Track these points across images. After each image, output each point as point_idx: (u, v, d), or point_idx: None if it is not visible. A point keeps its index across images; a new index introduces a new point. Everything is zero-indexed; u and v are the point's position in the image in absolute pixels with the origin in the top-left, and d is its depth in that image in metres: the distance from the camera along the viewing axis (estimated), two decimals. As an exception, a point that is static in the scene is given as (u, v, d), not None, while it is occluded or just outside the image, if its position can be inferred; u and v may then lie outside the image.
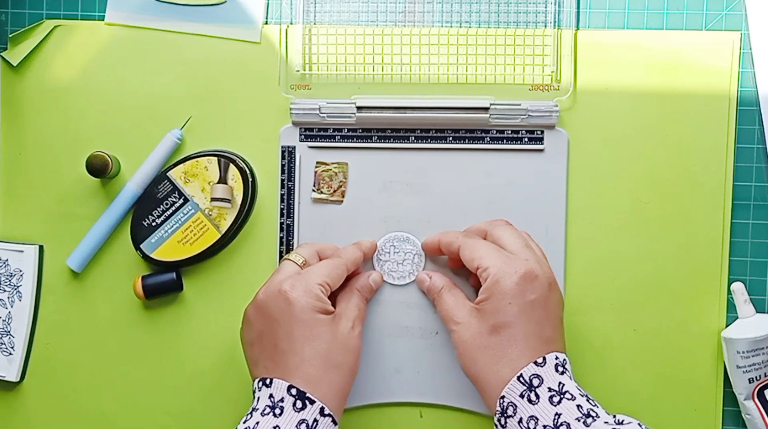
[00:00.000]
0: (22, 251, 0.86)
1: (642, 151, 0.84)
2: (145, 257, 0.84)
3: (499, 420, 0.75)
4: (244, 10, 0.86)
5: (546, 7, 0.85)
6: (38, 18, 0.87)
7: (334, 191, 0.85)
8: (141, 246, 0.84)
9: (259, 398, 0.75)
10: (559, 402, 0.73)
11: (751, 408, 0.82)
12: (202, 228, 0.84)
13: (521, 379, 0.74)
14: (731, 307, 0.84)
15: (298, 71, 0.85)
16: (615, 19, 0.85)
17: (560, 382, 0.74)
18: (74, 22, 0.87)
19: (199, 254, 0.84)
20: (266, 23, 0.86)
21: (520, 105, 0.83)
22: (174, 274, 0.85)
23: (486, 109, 0.83)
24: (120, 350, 0.86)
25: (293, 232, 0.85)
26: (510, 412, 0.74)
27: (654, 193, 0.84)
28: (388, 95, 0.85)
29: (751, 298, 0.83)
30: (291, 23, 0.86)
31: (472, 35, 0.85)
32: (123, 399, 0.86)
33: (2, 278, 0.86)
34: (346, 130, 0.85)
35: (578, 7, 0.85)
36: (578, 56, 0.85)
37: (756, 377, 0.82)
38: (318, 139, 0.85)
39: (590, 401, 0.73)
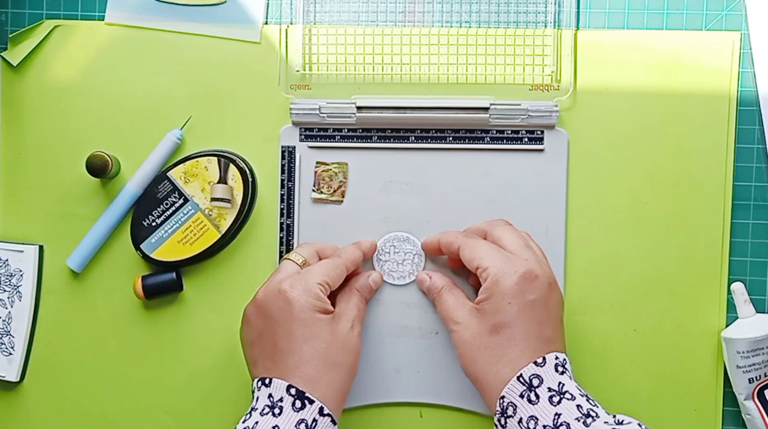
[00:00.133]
0: (22, 251, 0.86)
1: (642, 151, 0.84)
2: (145, 257, 0.84)
3: (499, 420, 0.75)
4: (244, 10, 0.86)
5: (546, 7, 0.85)
6: (38, 18, 0.87)
7: (334, 191, 0.85)
8: (141, 246, 0.84)
9: (258, 398, 0.75)
10: (559, 402, 0.72)
11: (751, 408, 0.82)
12: (202, 228, 0.84)
13: (521, 379, 0.74)
14: (731, 307, 0.84)
15: (298, 71, 0.85)
16: (615, 19, 0.85)
17: (560, 382, 0.74)
18: (74, 22, 0.87)
19: (199, 254, 0.84)
20: (266, 23, 0.86)
21: (520, 105, 0.83)
22: (174, 274, 0.85)
23: (486, 109, 0.83)
24: (120, 350, 0.86)
25: (293, 232, 0.85)
26: (510, 412, 0.74)
27: (654, 193, 0.84)
28: (388, 95, 0.85)
29: (751, 298, 0.83)
30: (291, 23, 0.86)
31: (472, 35, 0.85)
32: (123, 399, 0.86)
33: (2, 278, 0.86)
34: (346, 130, 0.85)
35: (578, 7, 0.85)
36: (578, 56, 0.85)
37: (756, 377, 0.82)
38: (318, 139, 0.85)
39: (590, 401, 0.73)
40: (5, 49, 0.87)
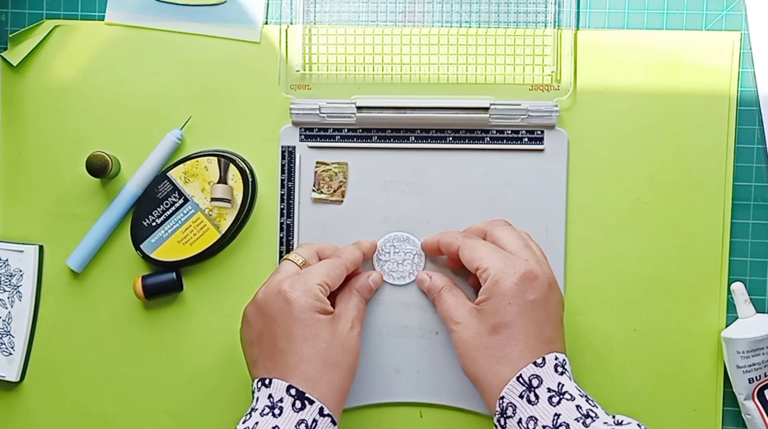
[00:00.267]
0: (22, 251, 0.86)
1: (642, 151, 0.84)
2: (145, 257, 0.84)
3: (498, 420, 0.75)
4: (244, 10, 0.86)
5: (546, 7, 0.85)
6: (38, 18, 0.87)
7: (334, 191, 0.85)
8: (141, 246, 0.84)
9: (258, 398, 0.75)
10: (559, 402, 0.72)
11: (751, 408, 0.82)
12: (202, 228, 0.84)
13: (521, 379, 0.74)
14: (731, 307, 0.84)
15: (298, 71, 0.85)
16: (615, 19, 0.85)
17: (560, 383, 0.74)
18: (74, 22, 0.87)
19: (199, 254, 0.84)
20: (266, 23, 0.86)
21: (520, 105, 0.83)
22: (174, 274, 0.85)
23: (486, 109, 0.83)
24: (120, 350, 0.86)
25: (293, 232, 0.85)
26: (509, 412, 0.74)
27: (654, 193, 0.84)
28: (388, 95, 0.85)
29: (751, 298, 0.83)
30: (291, 23, 0.86)
31: (472, 35, 0.85)
32: (123, 399, 0.86)
33: (2, 278, 0.86)
34: (346, 130, 0.85)
35: (578, 7, 0.85)
36: (578, 56, 0.85)
37: (756, 377, 0.82)
38: (318, 139, 0.85)
39: (589, 401, 0.73)
40: (5, 49, 0.87)
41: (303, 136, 0.85)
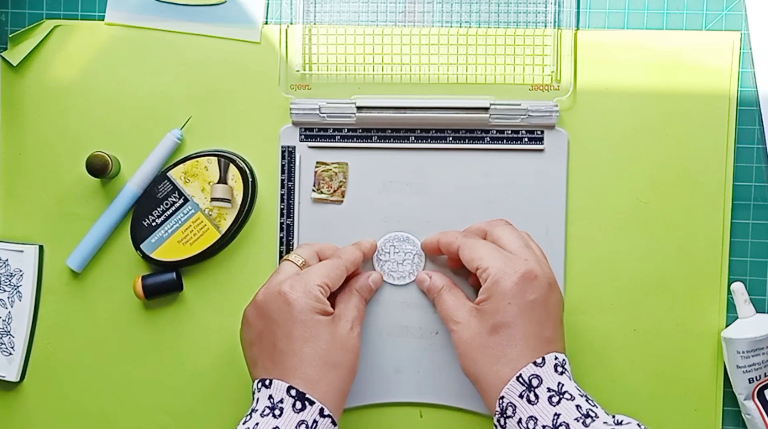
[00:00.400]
0: (22, 251, 0.86)
1: (642, 151, 0.84)
2: (145, 257, 0.84)
3: (498, 420, 0.75)
4: (244, 10, 0.86)
5: (546, 7, 0.85)
6: (38, 18, 0.87)
7: (334, 191, 0.85)
8: (141, 246, 0.84)
9: (258, 399, 0.75)
10: (558, 402, 0.72)
11: (751, 408, 0.82)
12: (202, 228, 0.84)
13: (520, 379, 0.74)
14: (731, 307, 0.84)
15: (298, 71, 0.85)
16: (615, 19, 0.85)
17: (559, 383, 0.74)
18: (74, 22, 0.87)
19: (199, 254, 0.84)
20: (266, 23, 0.86)
21: (520, 105, 0.83)
22: (174, 274, 0.85)
23: (486, 109, 0.83)
24: (120, 350, 0.86)
25: (293, 232, 0.85)
26: (509, 412, 0.74)
27: (654, 193, 0.84)
28: (388, 95, 0.85)
29: (751, 298, 0.83)
30: (291, 23, 0.86)
31: (472, 35, 0.85)
32: (123, 399, 0.86)
33: (2, 278, 0.86)
34: (346, 130, 0.85)
35: (578, 7, 0.85)
36: (578, 56, 0.85)
37: (756, 377, 0.82)
38: (318, 139, 0.85)
39: (589, 401, 0.73)
40: (5, 49, 0.87)
41: (303, 136, 0.85)
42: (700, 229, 0.84)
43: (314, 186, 0.85)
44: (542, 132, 0.84)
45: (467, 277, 0.84)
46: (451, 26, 0.85)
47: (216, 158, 0.84)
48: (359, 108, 0.84)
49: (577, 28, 0.85)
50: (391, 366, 0.85)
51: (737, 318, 0.83)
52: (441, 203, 0.85)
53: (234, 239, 0.85)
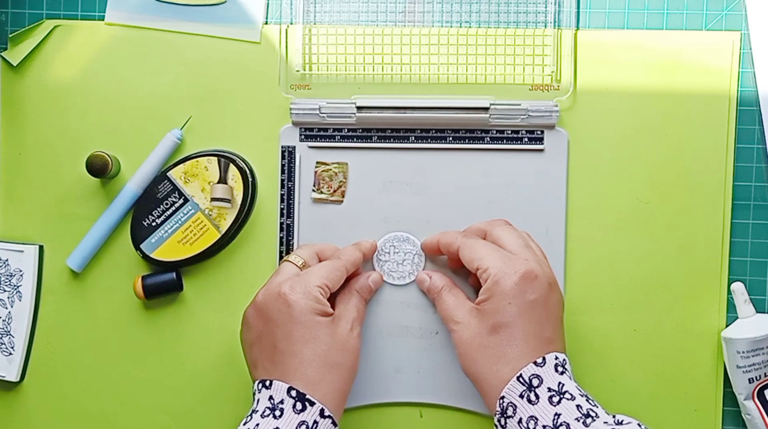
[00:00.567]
0: (22, 251, 0.86)
1: (642, 151, 0.84)
2: (145, 257, 0.84)
3: (499, 420, 0.75)
4: (244, 10, 0.86)
5: (546, 7, 0.85)
6: (38, 18, 0.87)
7: (334, 191, 0.85)
8: (141, 246, 0.84)
9: (258, 400, 0.75)
10: (559, 402, 0.73)
11: (751, 408, 0.82)
12: (202, 228, 0.84)
13: (521, 379, 0.74)
14: (731, 307, 0.84)
15: (298, 71, 0.85)
16: (615, 19, 0.85)
17: (560, 382, 0.74)
18: (74, 22, 0.87)
19: (199, 254, 0.84)
20: (266, 23, 0.86)
21: (520, 105, 0.83)
22: (174, 274, 0.85)
23: (486, 109, 0.83)
24: (120, 350, 0.86)
25: (293, 232, 0.85)
26: (510, 412, 0.74)
27: (654, 193, 0.84)
28: (388, 95, 0.85)
29: (751, 298, 0.83)
30: (291, 23, 0.86)
31: (472, 35, 0.85)
32: (123, 399, 0.86)
33: (2, 278, 0.86)
34: (346, 130, 0.85)
35: (578, 7, 0.85)
36: (578, 56, 0.85)
37: (756, 377, 0.82)
38: (318, 139, 0.85)
39: (590, 401, 0.73)
40: (5, 49, 0.87)
41: (303, 136, 0.85)
42: (700, 229, 0.84)
43: (314, 186, 0.85)
44: (542, 132, 0.84)
45: (467, 277, 0.84)
46: (451, 26, 0.85)
47: (216, 158, 0.84)
48: (359, 108, 0.84)
49: (577, 28, 0.85)
50: (391, 366, 0.85)
51: (737, 318, 0.83)
52: (441, 203, 0.85)
53: (234, 239, 0.85)
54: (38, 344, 0.87)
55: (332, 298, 0.80)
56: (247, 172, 0.84)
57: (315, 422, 0.73)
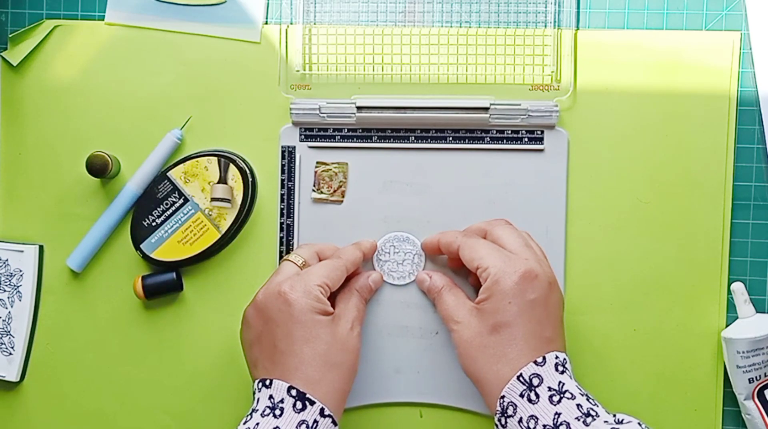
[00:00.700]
0: (22, 251, 0.86)
1: (642, 151, 0.84)
2: (145, 257, 0.84)
3: (499, 420, 0.75)
4: (244, 10, 0.86)
5: (546, 7, 0.85)
6: (38, 18, 0.87)
7: (334, 191, 0.85)
8: (141, 246, 0.84)
9: (258, 399, 0.75)
10: (559, 401, 0.72)
11: (751, 408, 0.82)
12: (202, 228, 0.84)
13: (521, 378, 0.74)
14: (731, 307, 0.84)
15: (298, 71, 0.85)
16: (615, 19, 0.85)
17: (560, 382, 0.74)
18: (74, 22, 0.87)
19: (199, 254, 0.84)
20: (266, 23, 0.86)
21: (520, 105, 0.83)
22: (174, 274, 0.85)
23: (486, 109, 0.83)
24: (120, 350, 0.86)
25: (293, 232, 0.85)
26: (510, 411, 0.74)
27: (654, 193, 0.84)
28: (388, 95, 0.85)
29: (751, 298, 0.83)
30: (291, 23, 0.86)
31: (472, 35, 0.85)
32: (123, 399, 0.86)
33: (2, 278, 0.86)
34: (346, 130, 0.85)
35: (578, 7, 0.85)
36: (578, 56, 0.85)
37: (756, 377, 0.82)
38: (318, 139, 0.85)
39: (590, 400, 0.73)
40: (5, 49, 0.87)
41: (303, 136, 0.85)
42: (700, 229, 0.84)
43: (314, 186, 0.85)
44: (542, 132, 0.84)
45: (467, 277, 0.84)
46: (451, 26, 0.85)
47: (216, 158, 0.84)
48: (359, 108, 0.84)
49: (577, 28, 0.85)
50: (391, 366, 0.85)
51: (737, 318, 0.83)
52: (441, 203, 0.85)
53: (234, 239, 0.85)
54: (38, 344, 0.87)
55: (333, 297, 0.80)
56: (247, 172, 0.84)
57: (315, 421, 0.73)
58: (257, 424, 0.73)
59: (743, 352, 0.81)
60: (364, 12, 0.86)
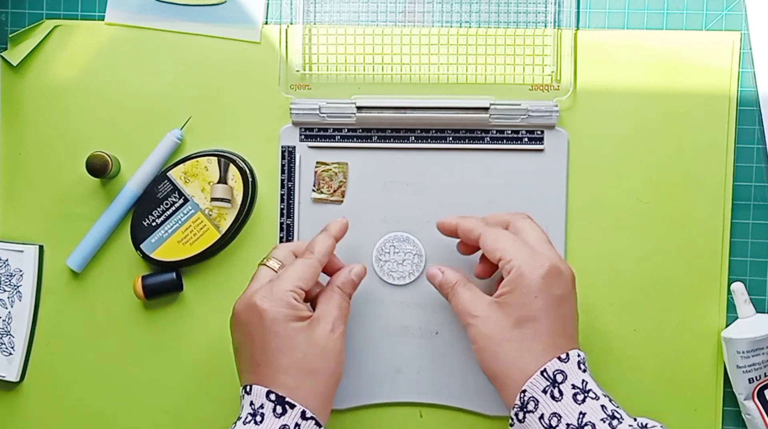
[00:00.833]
0: (22, 251, 0.86)
1: (642, 151, 0.84)
2: (145, 257, 0.84)
3: (516, 414, 0.73)
4: (244, 10, 0.86)
5: (546, 7, 0.85)
6: (38, 18, 0.87)
7: (334, 191, 0.85)
8: (141, 246, 0.84)
9: (243, 406, 0.74)
10: (584, 401, 0.71)
11: (751, 408, 0.82)
12: (202, 228, 0.84)
13: (545, 374, 0.72)
14: (731, 307, 0.84)
15: (298, 71, 0.85)
16: (615, 19, 0.85)
17: (583, 380, 0.72)
18: (74, 22, 0.87)
19: (199, 254, 0.84)
20: (266, 23, 0.86)
21: (520, 105, 0.83)
22: (174, 274, 0.85)
23: (486, 109, 0.83)
24: (120, 350, 0.86)
25: (293, 232, 0.85)
26: (531, 407, 0.72)
27: (654, 193, 0.84)
28: (388, 95, 0.85)
29: (751, 298, 0.83)
30: (291, 23, 0.86)
31: (472, 35, 0.85)
32: (123, 399, 0.86)
33: (2, 278, 0.86)
34: (346, 130, 0.85)
35: (578, 7, 0.85)
36: (578, 56, 0.85)
37: (756, 377, 0.82)
38: (318, 139, 0.85)
39: (612, 402, 0.72)
40: (5, 49, 0.87)
41: (303, 136, 0.85)
42: (700, 229, 0.84)
43: (314, 186, 0.85)
44: (542, 132, 0.84)
45: (471, 267, 0.82)
46: (451, 26, 0.85)
47: (216, 158, 0.84)
48: (359, 108, 0.84)
49: (577, 28, 0.85)
50: (391, 366, 0.85)
51: (737, 318, 0.83)
52: (441, 203, 0.85)
53: (234, 239, 0.85)
54: (38, 344, 0.87)
55: (318, 295, 0.78)
56: (247, 172, 0.84)
57: (297, 425, 0.72)
58: (240, 431, 0.72)
59: (743, 352, 0.81)
60: (364, 12, 0.86)
